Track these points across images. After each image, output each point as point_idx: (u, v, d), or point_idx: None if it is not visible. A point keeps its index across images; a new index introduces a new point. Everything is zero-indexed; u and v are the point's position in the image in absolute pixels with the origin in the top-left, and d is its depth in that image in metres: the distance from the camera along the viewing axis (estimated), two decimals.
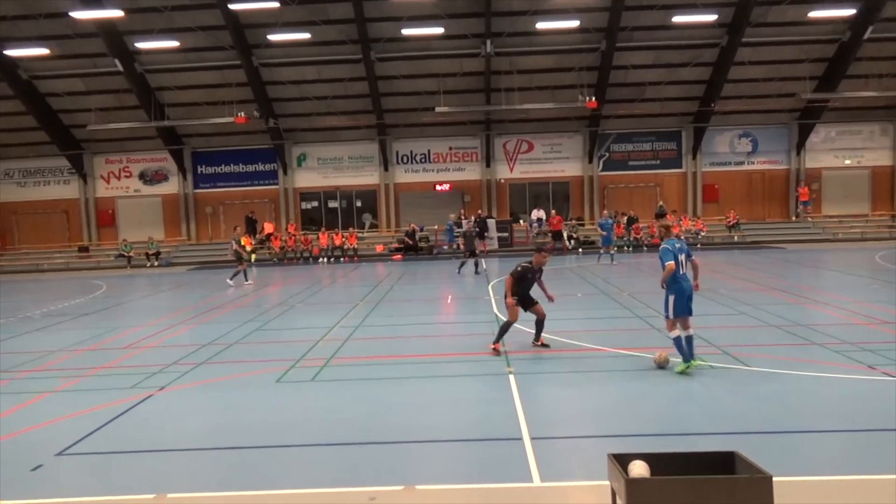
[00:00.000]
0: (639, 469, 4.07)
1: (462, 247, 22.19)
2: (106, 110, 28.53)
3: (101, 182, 31.90)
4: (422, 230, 29.50)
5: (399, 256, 28.07)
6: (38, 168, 31.73)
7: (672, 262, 8.23)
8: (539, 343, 10.11)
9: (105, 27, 24.66)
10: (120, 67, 26.26)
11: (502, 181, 31.81)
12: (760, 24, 25.93)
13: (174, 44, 25.10)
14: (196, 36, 25.63)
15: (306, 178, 31.82)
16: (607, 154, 31.51)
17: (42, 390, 9.05)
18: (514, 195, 32.13)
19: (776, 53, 27.47)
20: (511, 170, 31.68)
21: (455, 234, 27.70)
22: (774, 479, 3.87)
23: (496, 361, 9.48)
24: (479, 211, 29.43)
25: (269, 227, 30.34)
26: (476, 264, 21.08)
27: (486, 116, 30.03)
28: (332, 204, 32.23)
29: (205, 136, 30.77)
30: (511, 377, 8.52)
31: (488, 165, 31.25)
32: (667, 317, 8.40)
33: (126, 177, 31.87)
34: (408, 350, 10.69)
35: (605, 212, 23.82)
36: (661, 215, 29.96)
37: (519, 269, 9.76)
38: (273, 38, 24.99)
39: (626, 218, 28.70)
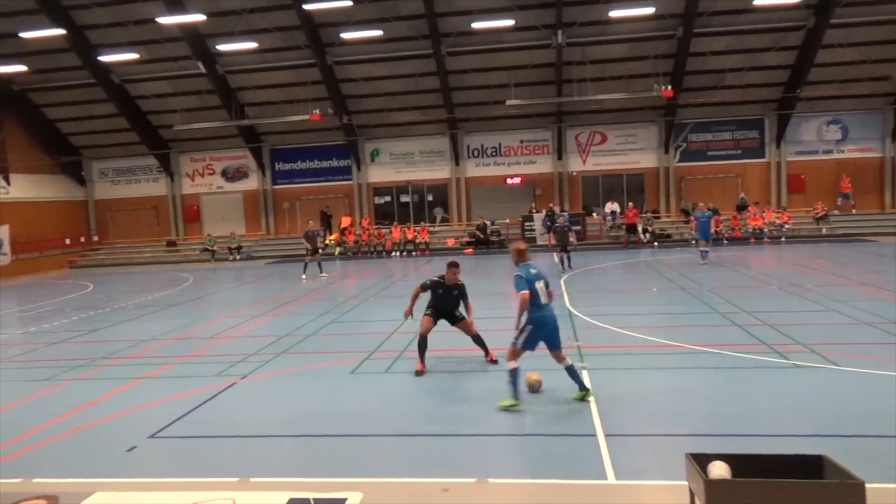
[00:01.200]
0: (719, 470, 3.96)
1: (553, 242, 21.21)
2: (190, 111, 29.86)
3: (186, 179, 33.48)
4: (493, 224, 29.45)
5: (470, 250, 28.14)
6: (130, 167, 33.61)
7: (526, 291, 7.15)
8: (489, 359, 9.28)
9: (189, 31, 25.80)
10: (203, 69, 27.44)
11: (574, 174, 31.33)
12: (850, 2, 24.41)
13: (253, 45, 25.98)
14: (273, 37, 26.44)
15: (379, 173, 32.32)
16: (684, 144, 30.49)
17: (135, 376, 9.62)
18: (587, 188, 31.59)
19: (867, 34, 25.78)
20: (583, 162, 31.15)
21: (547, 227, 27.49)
22: (867, 485, 3.67)
23: (569, 356, 9.37)
24: (551, 204, 29.10)
25: (345, 221, 31.02)
26: (562, 261, 20.10)
27: (558, 108, 29.62)
28: (405, 198, 32.62)
29: (282, 134, 31.73)
30: (585, 372, 8.41)
31: (560, 158, 30.84)
32: (513, 343, 7.37)
33: (209, 174, 33.31)
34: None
35: (701, 204, 21.62)
36: (742, 207, 28.80)
37: (428, 282, 9.29)
38: (346, 36, 25.47)
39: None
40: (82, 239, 32.63)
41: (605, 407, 7.08)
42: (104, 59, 26.41)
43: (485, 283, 19.24)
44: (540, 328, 7.27)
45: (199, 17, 23.86)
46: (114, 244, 33.41)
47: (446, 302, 9.26)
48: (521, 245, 7.69)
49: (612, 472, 5.49)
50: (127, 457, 6.48)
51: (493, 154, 31.54)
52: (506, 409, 7.14)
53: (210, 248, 30.35)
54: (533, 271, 7.35)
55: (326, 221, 30.65)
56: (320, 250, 22.70)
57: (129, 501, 5.39)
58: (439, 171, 31.85)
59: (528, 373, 7.73)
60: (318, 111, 27.89)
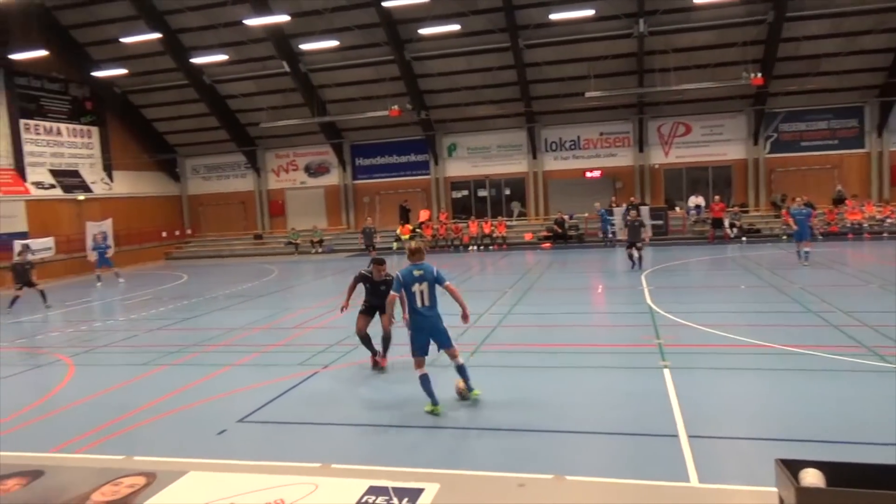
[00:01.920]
0: (812, 478, 3.76)
1: (625, 237, 19.83)
2: (275, 109, 30.93)
3: (272, 175, 34.75)
4: (571, 218, 29.03)
5: (548, 245, 27.86)
6: (220, 164, 35.22)
7: (394, 294, 7.19)
8: (380, 362, 9.19)
9: (273, 32, 26.72)
10: (287, 68, 28.37)
11: (657, 166, 30.41)
12: None
13: (334, 43, 26.60)
14: (353, 35, 26.98)
15: (456, 168, 32.47)
16: (775, 135, 29.00)
17: (225, 363, 10.11)
18: (670, 181, 30.59)
19: None
20: (666, 154, 30.18)
21: (610, 221, 26.99)
22: None
23: (650, 354, 9.16)
24: (632, 198, 28.38)
25: (424, 215, 31.36)
26: (631, 257, 18.74)
27: (639, 99, 28.81)
28: (482, 192, 32.63)
29: (362, 130, 32.38)
30: (666, 371, 8.19)
31: (641, 150, 30.01)
32: (412, 353, 7.29)
33: (293, 170, 34.44)
34: (557, 339, 10.63)
35: (799, 199, 18.94)
36: (839, 201, 27.15)
37: (358, 274, 9.28)
38: (424, 31, 25.67)
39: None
40: (177, 232, 34.48)
41: (688, 407, 6.87)
42: (196, 60, 27.72)
43: (562, 278, 19.03)
44: (418, 332, 7.22)
45: (283, 18, 24.64)
46: (205, 237, 35.11)
47: (376, 297, 9.19)
48: (413, 245, 7.56)
49: (695, 475, 5.33)
50: (218, 439, 6.83)
51: (572, 147, 31.05)
52: (429, 413, 7.11)
53: (294, 241, 31.38)
54: (417, 273, 7.18)
55: (405, 216, 31.09)
56: (375, 246, 22.83)
57: (220, 482, 5.67)
58: (516, 165, 31.66)
59: (456, 380, 7.56)
60: (396, 107, 28.28)
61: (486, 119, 30.82)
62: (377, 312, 9.30)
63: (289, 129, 31.42)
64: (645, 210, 27.77)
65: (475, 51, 27.36)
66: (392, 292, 7.38)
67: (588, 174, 30.77)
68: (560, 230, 28.18)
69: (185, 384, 9.01)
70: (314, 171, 34.07)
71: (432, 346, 7.42)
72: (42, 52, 24.52)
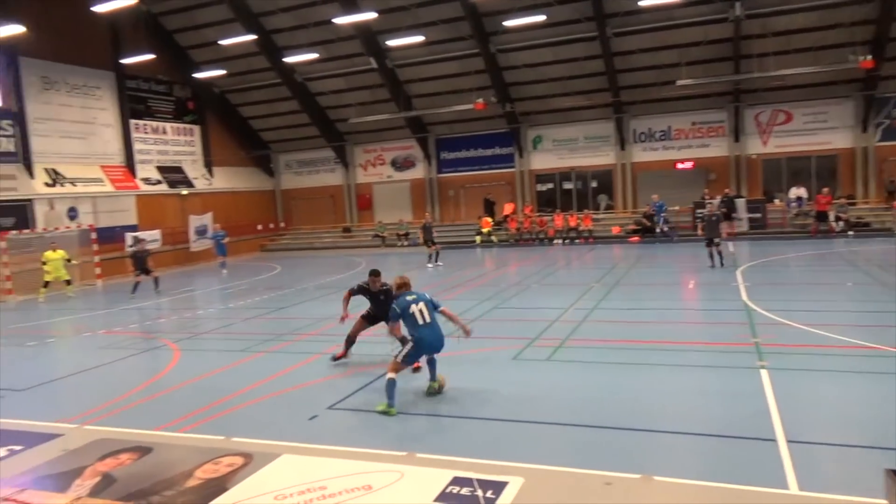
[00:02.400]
0: None
1: (702, 232, 18.47)
2: (363, 105, 31.63)
3: (359, 170, 35.60)
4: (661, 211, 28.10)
5: (636, 238, 27.12)
6: (311, 159, 36.42)
7: (396, 323, 7.95)
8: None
9: (361, 29, 27.31)
10: (374, 65, 28.94)
11: (754, 156, 28.91)
12: None
13: (419, 38, 26.87)
14: (438, 29, 27.17)
15: (542, 160, 32.12)
16: (887, 121, 26.89)
17: (316, 352, 10.49)
18: (769, 171, 29.02)
19: None
20: (764, 143, 28.65)
21: (698, 216, 25.94)
22: None
23: (746, 354, 8.77)
24: (727, 190, 27.14)
25: (508, 208, 31.25)
26: (711, 255, 17.60)
27: (735, 87, 27.46)
28: (567, 185, 32.14)
29: (447, 124, 32.59)
30: (764, 372, 7.82)
31: (737, 140, 28.63)
32: (396, 358, 7.64)
33: (380, 164, 35.15)
34: (646, 335, 10.36)
35: None
36: None
37: (356, 287, 9.66)
38: (509, 23, 25.48)
39: None
40: (271, 225, 35.97)
41: (787, 410, 6.53)
42: (288, 60, 28.72)
43: (651, 273, 18.49)
44: (421, 347, 7.72)
45: (370, 16, 25.12)
46: (297, 230, 36.43)
47: (376, 306, 9.52)
48: (399, 280, 8.24)
49: (794, 482, 5.07)
50: (309, 424, 7.11)
51: (662, 137, 30.04)
52: (381, 413, 7.32)
53: (380, 234, 32.05)
54: (409, 298, 7.83)
55: (489, 209, 31.07)
56: (435, 241, 23.07)
57: (311, 465, 5.90)
58: (604, 157, 30.97)
59: (440, 376, 7.99)
60: (481, 100, 28.27)
61: (573, 110, 30.30)
62: (377, 321, 9.62)
63: (376, 124, 32.05)
64: (741, 202, 26.54)
65: (561, 41, 26.92)
66: (392, 323, 7.97)
67: (679, 165, 29.69)
68: (649, 223, 27.35)
69: (278, 371, 9.41)
70: (400, 165, 34.61)
71: None
72: (149, 56, 26.13)
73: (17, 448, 6.85)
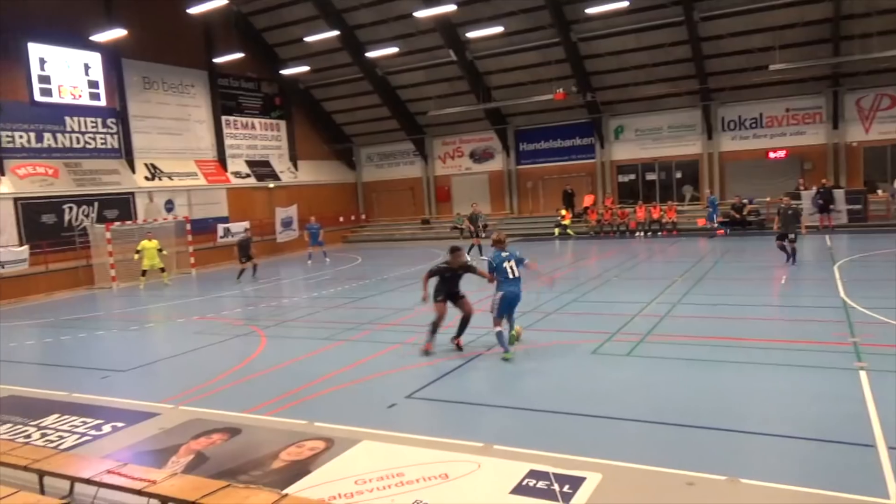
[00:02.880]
0: None
1: (777, 227, 16.87)
2: (442, 97, 31.81)
3: (438, 162, 35.86)
4: (751, 203, 26.83)
5: (723, 231, 26.02)
6: (391, 152, 37.00)
7: (489, 274, 9.53)
8: (456, 343, 9.79)
9: (441, 22, 27.42)
10: (453, 57, 29.02)
11: (854, 144, 27.10)
12: None
13: (499, 29, 26.69)
14: (518, 19, 26.91)
15: (623, 151, 31.32)
16: None
17: (396, 341, 10.68)
18: (871, 160, 27.11)
19: None
20: (867, 130, 26.78)
21: (819, 206, 24.52)
22: None
23: (843, 354, 8.28)
24: (824, 180, 25.58)
25: (588, 200, 30.69)
26: (782, 248, 16.37)
27: (834, 70, 25.79)
28: (650, 176, 31.19)
29: (526, 115, 32.29)
30: (863, 374, 7.36)
31: (836, 127, 26.90)
32: (493, 314, 9.26)
33: (458, 156, 35.27)
34: (733, 332, 9.95)
35: None
36: None
37: (435, 268, 9.88)
38: (591, 11, 24.93)
39: None
40: (353, 217, 36.81)
41: (889, 415, 6.12)
42: (370, 54, 29.23)
43: (740, 267, 17.72)
44: (504, 301, 9.27)
45: (450, 8, 25.16)
46: (378, 222, 37.13)
47: (454, 284, 9.86)
48: (497, 236, 9.84)
49: (895, 491, 4.75)
50: (388, 412, 7.26)
51: (753, 126, 28.64)
52: (505, 360, 8.91)
53: (459, 226, 32.16)
54: (504, 254, 9.47)
55: (568, 201, 30.62)
56: (482, 234, 22.95)
57: (390, 452, 6.03)
58: (689, 147, 29.87)
59: (517, 326, 9.77)
60: (561, 90, 27.85)
61: (657, 99, 29.36)
62: (454, 300, 9.88)
63: (455, 116, 32.17)
64: (839, 193, 24.98)
65: (645, 27, 26.11)
66: (486, 272, 9.57)
67: (771, 154, 28.24)
68: (738, 216, 26.18)
69: (359, 359, 9.66)
70: (479, 157, 34.61)
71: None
72: (239, 55, 27.25)
73: (120, 425, 7.36)
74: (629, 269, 18.17)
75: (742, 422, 6.35)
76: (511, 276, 9.28)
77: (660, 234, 27.37)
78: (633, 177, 31.52)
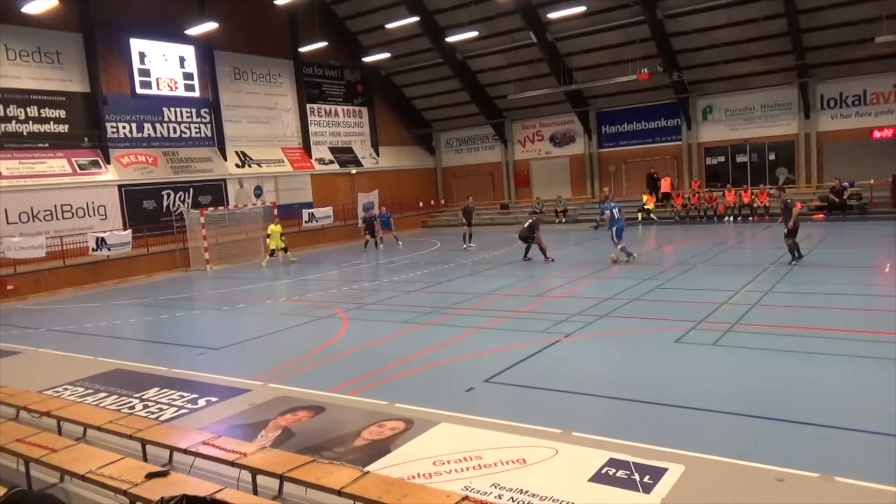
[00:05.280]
0: None
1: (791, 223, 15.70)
2: (522, 80, 31.41)
3: (518, 146, 35.55)
4: (851, 186, 25.15)
5: (821, 216, 24.54)
6: (470, 136, 36.97)
7: (608, 212, 16.83)
8: (548, 259, 17.43)
9: (521, 4, 27.00)
10: (534, 39, 28.55)
11: None
12: None
13: (581, 9, 26.01)
14: None
15: (712, 132, 30.00)
16: None
17: (474, 326, 10.75)
18: None
19: None
20: None
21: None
22: None
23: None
24: None
25: (665, 184, 29.62)
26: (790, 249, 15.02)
27: None
28: (741, 158, 29.75)
29: (608, 97, 31.44)
30: None
31: None
32: (612, 239, 16.57)
33: (538, 140, 34.83)
34: (827, 323, 9.43)
35: None
36: None
37: (535, 219, 18.10)
38: None
39: None
40: (432, 202, 37.13)
41: None
42: (450, 39, 29.20)
43: (838, 254, 16.74)
44: (620, 230, 16.35)
45: None
46: (457, 207, 37.20)
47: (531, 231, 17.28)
48: (606, 191, 15.29)
49: None
50: (466, 396, 7.33)
51: (855, 103, 26.77)
52: (634, 259, 15.34)
53: (538, 210, 31.85)
54: (612, 204, 16.78)
55: (653, 184, 29.71)
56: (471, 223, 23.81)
57: (468, 435, 6.11)
58: (784, 127, 28.27)
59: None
60: (646, 70, 26.93)
61: (748, 77, 27.90)
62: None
63: (535, 99, 31.74)
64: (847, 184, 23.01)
65: (737, 1, 24.81)
66: (605, 211, 17.19)
67: (877, 134, 26.31)
68: (837, 199, 24.62)
69: (437, 342, 9.79)
70: (559, 140, 34.06)
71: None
72: (323, 44, 27.88)
73: (214, 400, 7.80)
74: (716, 256, 17.49)
75: (836, 417, 6.03)
76: (619, 216, 16.58)
77: (751, 218, 26.15)
78: (721, 159, 30.19)
